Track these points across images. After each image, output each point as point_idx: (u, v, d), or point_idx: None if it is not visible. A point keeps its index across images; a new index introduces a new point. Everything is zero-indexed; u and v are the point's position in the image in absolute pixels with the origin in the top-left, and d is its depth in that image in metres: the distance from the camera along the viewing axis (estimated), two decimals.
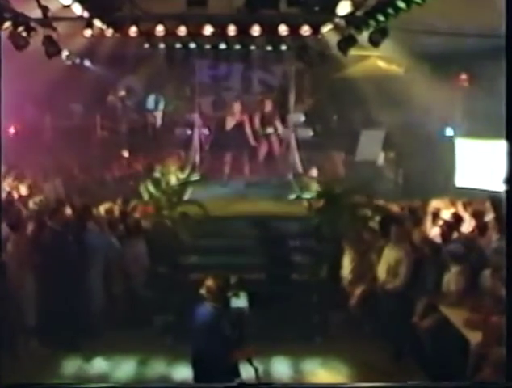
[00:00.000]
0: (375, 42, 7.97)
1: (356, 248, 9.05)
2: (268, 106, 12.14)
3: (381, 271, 8.58)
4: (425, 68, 14.44)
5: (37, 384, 7.38)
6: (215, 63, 18.34)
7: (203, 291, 6.07)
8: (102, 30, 8.59)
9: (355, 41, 8.43)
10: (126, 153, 15.36)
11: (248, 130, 11.97)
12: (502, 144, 6.69)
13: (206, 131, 15.05)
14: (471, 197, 11.37)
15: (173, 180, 10.27)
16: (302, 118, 16.65)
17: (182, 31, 8.30)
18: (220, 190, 11.84)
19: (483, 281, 7.83)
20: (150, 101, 17.41)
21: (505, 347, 5.61)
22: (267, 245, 9.62)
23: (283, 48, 12.05)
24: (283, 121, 13.05)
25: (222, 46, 11.90)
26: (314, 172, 12.14)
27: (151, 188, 9.59)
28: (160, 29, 8.31)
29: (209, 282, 6.04)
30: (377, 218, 9.37)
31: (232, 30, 8.50)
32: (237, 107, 12.13)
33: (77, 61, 16.94)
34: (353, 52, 16.49)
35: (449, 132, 15.15)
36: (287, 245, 9.58)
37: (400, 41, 13.10)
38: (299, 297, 8.95)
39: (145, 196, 9.60)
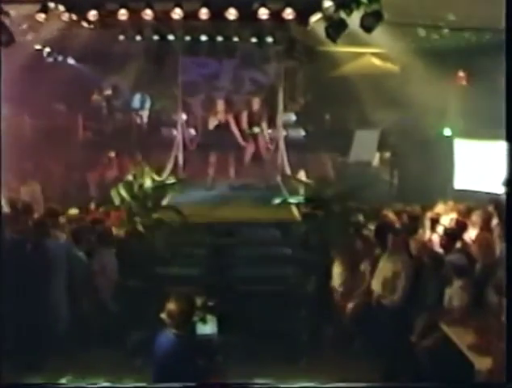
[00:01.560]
0: (367, 27, 6.89)
1: (348, 258, 7.95)
2: (255, 104, 11.09)
3: (376, 284, 7.49)
4: (422, 65, 13.57)
5: (37, 384, 6.89)
6: (204, 61, 17.50)
7: (163, 316, 5.01)
8: (58, 14, 7.55)
9: (345, 26, 7.32)
10: (111, 155, 14.28)
11: (235, 130, 10.93)
12: (502, 144, 5.99)
13: (193, 131, 14.08)
14: (471, 200, 10.57)
15: (147, 183, 9.17)
16: (293, 118, 15.65)
17: (147, 14, 7.24)
18: (203, 194, 10.81)
19: (489, 297, 6.81)
20: (136, 100, 16.37)
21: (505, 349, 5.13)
22: (250, 254, 8.57)
23: (269, 39, 10.94)
24: (272, 121, 11.99)
25: (203, 38, 10.81)
26: (302, 175, 11.01)
27: (123, 192, 8.53)
28: (123, 12, 7.27)
29: (171, 305, 4.97)
30: (371, 225, 8.32)
31: (204, 13, 7.44)
32: (220, 105, 11.08)
33: (60, 58, 16.10)
34: (347, 48, 15.98)
35: (447, 132, 14.23)
36: (271, 254, 8.50)
37: (396, 38, 12.50)
38: (284, 313, 7.85)
39: (116, 201, 8.53)
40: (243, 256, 8.59)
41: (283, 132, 14.44)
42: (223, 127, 10.95)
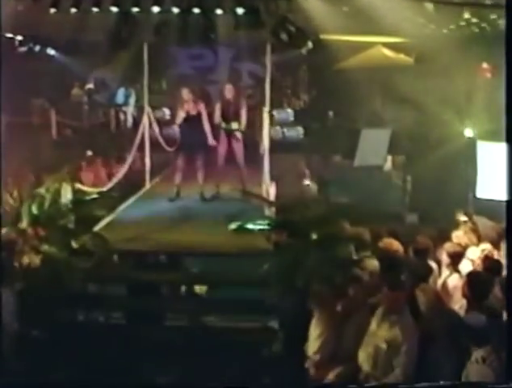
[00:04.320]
0: None
1: (330, 311, 5.23)
2: (228, 93, 8.52)
3: (364, 357, 4.75)
4: (440, 56, 11.69)
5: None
6: (198, 53, 15.18)
7: None
8: None
9: None
10: (88, 155, 11.94)
11: (206, 125, 8.38)
12: None
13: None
14: (494, 212, 8.04)
15: (67, 197, 6.50)
16: (290, 115, 13.11)
17: None
18: (166, 207, 8.25)
19: None
20: (120, 95, 13.93)
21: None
22: (195, 296, 5.96)
23: (240, 10, 8.25)
24: (260, 118, 9.42)
25: (155, 9, 8.16)
26: (272, 189, 8.13)
27: (34, 210, 6.00)
28: None
29: None
30: (368, 262, 5.57)
31: None
32: (185, 94, 8.51)
33: (37, 48, 13.77)
34: (355, 38, 13.62)
35: (468, 132, 11.63)
36: (225, 298, 5.87)
37: (409, 25, 10.84)
38: (241, 381, 5.24)
39: (25, 222, 5.98)
40: (185, 300, 6.00)
41: (279, 132, 12.15)
42: (191, 122, 8.41)
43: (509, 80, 4.70)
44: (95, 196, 6.73)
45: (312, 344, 5.13)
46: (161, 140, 10.04)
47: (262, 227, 6.05)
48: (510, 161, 4.73)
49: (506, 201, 4.81)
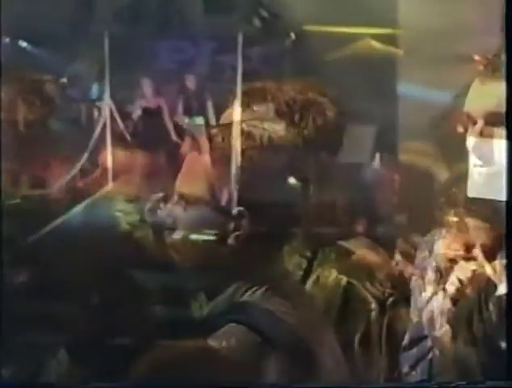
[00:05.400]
0: None
1: None
2: (192, 84, 7.64)
3: None
4: (430, 48, 10.85)
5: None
6: (178, 46, 14.30)
7: None
8: None
9: None
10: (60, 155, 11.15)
11: (167, 120, 7.51)
12: None
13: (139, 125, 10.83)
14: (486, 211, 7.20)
15: None
16: (271, 109, 12.28)
17: None
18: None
19: None
20: (93, 90, 13.04)
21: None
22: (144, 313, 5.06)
23: None
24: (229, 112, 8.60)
25: None
26: (225, 194, 7.07)
27: None
28: None
29: None
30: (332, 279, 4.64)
31: None
32: (147, 86, 7.64)
33: (6, 40, 12.92)
34: (341, 29, 12.86)
35: (459, 128, 10.87)
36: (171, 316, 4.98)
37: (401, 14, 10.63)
38: None
39: None
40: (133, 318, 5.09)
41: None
42: (153, 117, 7.53)
43: (509, 76, 4.60)
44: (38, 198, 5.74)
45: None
46: (127, 136, 9.13)
47: (208, 238, 5.07)
48: (510, 160, 4.61)
49: (506, 202, 4.78)
